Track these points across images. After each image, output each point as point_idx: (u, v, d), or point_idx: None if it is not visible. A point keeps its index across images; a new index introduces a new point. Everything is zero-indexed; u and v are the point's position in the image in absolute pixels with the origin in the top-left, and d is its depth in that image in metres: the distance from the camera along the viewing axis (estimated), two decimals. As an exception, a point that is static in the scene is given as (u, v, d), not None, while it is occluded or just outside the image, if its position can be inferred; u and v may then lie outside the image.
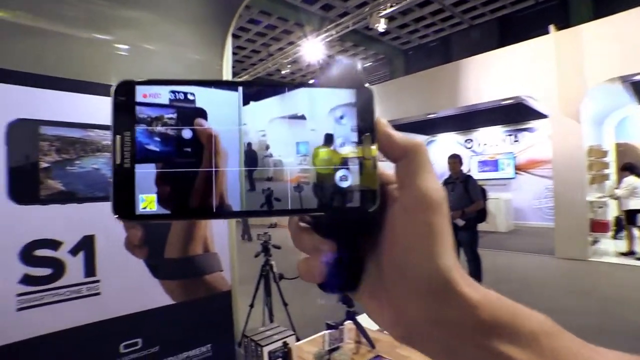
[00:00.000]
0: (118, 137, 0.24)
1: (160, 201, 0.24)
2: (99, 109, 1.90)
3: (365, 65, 12.73)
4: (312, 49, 8.79)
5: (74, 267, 1.73)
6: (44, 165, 1.68)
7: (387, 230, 0.26)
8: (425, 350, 0.26)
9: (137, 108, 0.24)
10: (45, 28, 2.02)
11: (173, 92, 0.25)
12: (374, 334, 1.47)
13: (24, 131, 1.66)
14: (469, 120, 10.01)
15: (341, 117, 0.26)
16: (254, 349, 1.15)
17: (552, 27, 6.29)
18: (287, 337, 1.22)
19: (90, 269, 1.78)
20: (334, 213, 0.26)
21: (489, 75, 7.13)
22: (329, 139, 0.26)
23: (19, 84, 1.70)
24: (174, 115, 0.25)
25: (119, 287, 1.84)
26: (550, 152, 6.82)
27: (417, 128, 11.64)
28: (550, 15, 8.51)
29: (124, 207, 0.24)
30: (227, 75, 2.70)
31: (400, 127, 11.13)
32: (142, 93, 0.25)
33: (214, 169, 0.24)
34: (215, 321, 2.25)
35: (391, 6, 7.03)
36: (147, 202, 0.23)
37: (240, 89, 0.26)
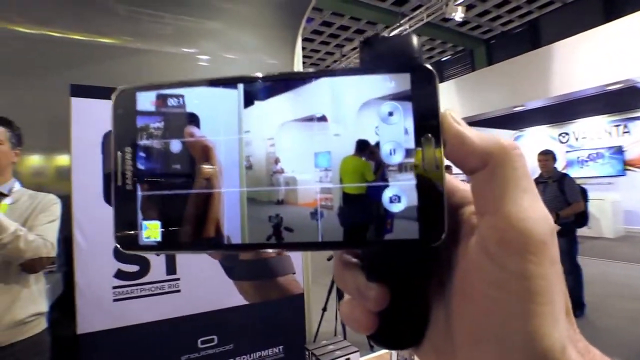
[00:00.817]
0: (119, 154, 0.21)
1: (164, 235, 0.20)
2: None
3: (445, 59, 12.10)
4: (385, 46, 8.60)
5: (157, 265, 1.88)
6: (131, 170, 1.84)
7: (459, 275, 0.18)
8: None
9: (138, 119, 0.21)
10: (140, 47, 2.25)
11: (174, 96, 0.21)
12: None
13: (116, 141, 1.84)
14: (563, 111, 8.87)
15: (390, 114, 0.19)
16: None
17: None
18: (350, 353, 1.16)
19: (171, 267, 1.91)
20: (380, 248, 0.19)
21: (588, 58, 6.24)
22: (363, 146, 0.19)
23: (113, 99, 1.89)
24: (170, 125, 0.20)
25: (196, 286, 1.95)
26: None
27: (502, 123, 10.70)
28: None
29: (124, 235, 0.20)
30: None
31: (482, 122, 10.36)
32: (144, 101, 0.21)
33: (198, 191, 0.19)
34: (287, 323, 2.27)
35: (470, -8, 6.57)
36: (150, 230, 0.20)
37: (241, 86, 0.20)
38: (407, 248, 0.19)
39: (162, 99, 0.21)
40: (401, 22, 8.01)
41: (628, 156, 8.86)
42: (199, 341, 1.97)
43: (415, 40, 0.20)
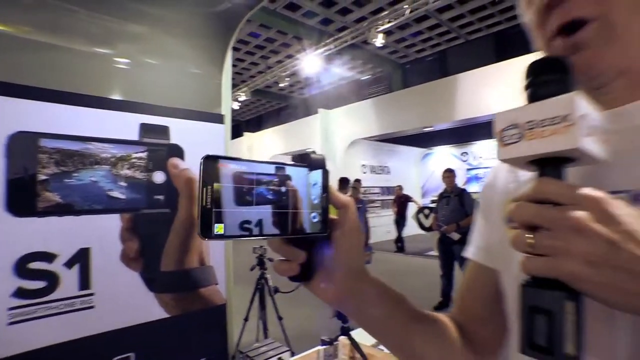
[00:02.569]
0: (204, 188, 0.35)
1: (225, 229, 0.36)
2: (98, 122, 1.92)
3: (364, 78, 12.88)
4: (310, 62, 8.89)
5: (69, 280, 1.73)
6: (42, 177, 1.69)
7: (336, 244, 0.43)
8: (344, 306, 0.46)
9: (220, 170, 0.36)
10: (46, 42, 2.05)
11: (237, 163, 0.38)
12: (368, 350, 1.48)
13: (24, 144, 1.67)
14: (465, 133, 10.10)
15: (314, 184, 0.42)
16: None
17: None
18: (281, 353, 1.22)
19: (84, 282, 1.78)
20: (310, 235, 0.41)
21: (485, 90, 7.23)
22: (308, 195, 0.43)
23: (19, 97, 1.72)
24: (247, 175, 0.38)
25: (113, 301, 1.83)
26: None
27: (414, 141, 11.74)
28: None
29: (205, 231, 0.34)
30: (226, 88, 2.73)
31: (396, 140, 11.22)
32: (220, 163, 0.36)
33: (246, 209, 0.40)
34: (209, 335, 2.23)
35: (389, 22, 7.15)
36: (219, 228, 0.35)
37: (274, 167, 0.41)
38: (318, 235, 0.42)
39: (226, 163, 0.37)
40: (327, 41, 8.38)
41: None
42: (114, 360, 1.85)
43: (324, 158, 0.44)
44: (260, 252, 2.65)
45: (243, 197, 0.37)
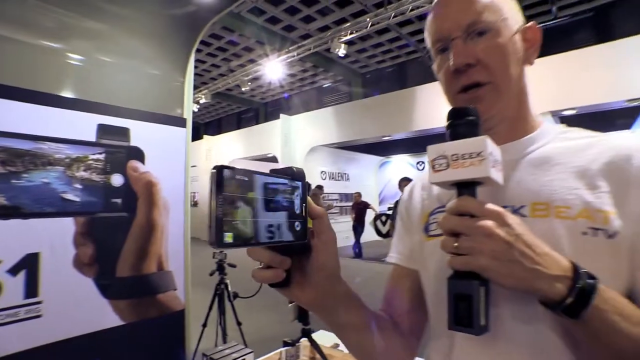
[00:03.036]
0: (217, 197, 0.36)
1: (234, 238, 0.36)
2: (50, 121, 1.85)
3: (325, 86, 13.08)
4: (273, 68, 8.91)
5: (13, 287, 1.63)
6: (-16, 178, 1.59)
7: (315, 251, 0.46)
8: (320, 309, 0.50)
9: (230, 181, 0.38)
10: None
11: (244, 173, 0.40)
12: (327, 350, 1.53)
13: (-35, 142, 1.58)
14: (421, 143, 10.54)
15: (296, 195, 0.44)
16: None
17: None
18: (245, 354, 1.25)
19: (31, 289, 1.68)
20: (294, 242, 0.43)
21: (441, 102, 7.54)
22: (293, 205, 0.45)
23: (-39, 92, 1.62)
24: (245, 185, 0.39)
25: (63, 309, 1.75)
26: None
27: (372, 149, 12.07)
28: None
29: (218, 239, 0.35)
30: (188, 91, 2.71)
31: (356, 147, 11.47)
32: (229, 173, 0.38)
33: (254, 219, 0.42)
34: (166, 342, 2.19)
35: (351, 33, 7.37)
36: (228, 237, 0.36)
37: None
38: (300, 243, 0.43)
39: (234, 174, 0.38)
40: (289, 48, 8.46)
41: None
42: (62, 371, 1.76)
43: (303, 171, 0.46)
44: (220, 257, 2.64)
45: (248, 207, 0.38)
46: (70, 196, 1.88)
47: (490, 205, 0.43)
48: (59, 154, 1.89)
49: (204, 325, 2.63)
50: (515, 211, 0.52)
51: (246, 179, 0.40)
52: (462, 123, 0.47)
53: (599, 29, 8.32)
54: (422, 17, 8.31)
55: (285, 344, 1.28)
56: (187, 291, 2.36)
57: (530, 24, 0.60)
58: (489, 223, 0.41)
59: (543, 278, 0.41)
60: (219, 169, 0.37)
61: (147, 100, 2.39)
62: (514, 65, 0.56)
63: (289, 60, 8.65)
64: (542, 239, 0.43)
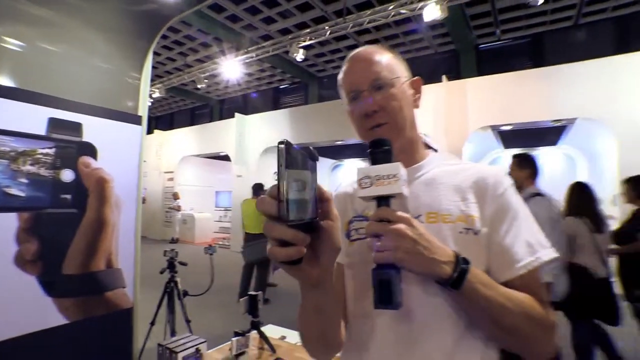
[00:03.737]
0: (286, 173, 0.39)
1: (295, 214, 0.40)
2: None
3: (282, 87, 13.14)
4: (230, 66, 8.84)
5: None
6: None
7: (326, 230, 0.48)
8: (320, 286, 0.53)
9: (290, 158, 0.41)
10: None
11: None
12: (275, 341, 1.65)
13: None
14: (371, 149, 10.90)
15: (314, 175, 0.47)
16: (168, 356, 1.23)
17: (444, 77, 7.25)
18: (199, 344, 1.32)
19: (-32, 286, 1.63)
20: (313, 220, 0.46)
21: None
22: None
23: None
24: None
25: (3, 308, 1.69)
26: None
27: (326, 153, 12.31)
28: (444, 65, 9.93)
29: (287, 215, 0.38)
30: (144, 89, 2.70)
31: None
32: (290, 151, 0.41)
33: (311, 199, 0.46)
34: (113, 340, 2.18)
35: (310, 39, 7.53)
36: (291, 214, 0.39)
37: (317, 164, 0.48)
38: (314, 221, 0.45)
39: (291, 151, 0.41)
40: (249, 49, 8.44)
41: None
42: (2, 372, 1.72)
43: (313, 149, 0.47)
44: (171, 255, 2.65)
45: (297, 184, 0.41)
46: (14, 191, 1.84)
47: (400, 213, 0.58)
48: (3, 147, 1.84)
49: (152, 323, 2.63)
50: (415, 218, 0.66)
51: (299, 156, 0.43)
52: (380, 151, 0.61)
53: (534, 54, 9.18)
54: (379, 28, 8.69)
55: (236, 334, 1.38)
56: (136, 289, 2.37)
57: (415, 78, 0.82)
58: (401, 226, 0.57)
59: (438, 264, 0.58)
60: (289, 144, 0.40)
61: (101, 95, 2.36)
62: (406, 109, 0.76)
63: (247, 60, 8.63)
64: (435, 237, 0.61)
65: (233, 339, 1.33)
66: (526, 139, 9.24)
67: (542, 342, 0.64)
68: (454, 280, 0.58)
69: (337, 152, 11.83)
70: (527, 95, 6.60)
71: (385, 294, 0.57)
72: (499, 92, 6.92)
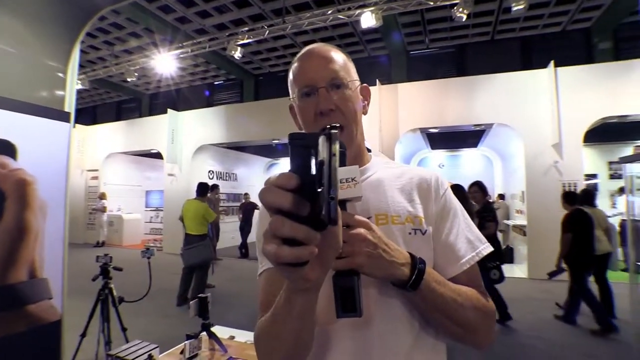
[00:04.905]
0: (335, 162, 0.36)
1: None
2: None
3: (217, 83, 12.76)
4: (162, 59, 8.38)
5: None
6: None
7: (328, 229, 0.39)
8: (315, 289, 0.48)
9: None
10: None
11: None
12: (225, 342, 1.66)
13: None
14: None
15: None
16: None
17: (378, 81, 7.55)
18: (151, 349, 1.28)
19: None
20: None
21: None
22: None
23: None
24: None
25: None
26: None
27: (262, 152, 12.23)
28: (377, 69, 10.40)
29: (327, 221, 0.35)
30: (71, 82, 2.50)
31: (244, 148, 11.49)
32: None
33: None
34: (38, 357, 2.00)
35: (248, 38, 7.42)
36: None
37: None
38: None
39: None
40: (184, 43, 8.08)
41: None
42: None
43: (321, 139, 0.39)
44: (104, 260, 2.49)
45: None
46: None
47: (359, 217, 0.57)
48: None
49: (83, 335, 2.45)
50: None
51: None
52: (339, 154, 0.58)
53: (458, 63, 10.03)
54: (317, 30, 8.84)
55: (189, 337, 1.37)
56: (65, 299, 2.20)
57: (364, 84, 0.80)
58: (362, 230, 0.56)
59: (397, 266, 0.58)
60: (337, 129, 0.39)
61: (22, 88, 2.16)
62: (358, 114, 0.75)
63: (181, 55, 8.25)
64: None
65: (186, 342, 1.32)
66: (451, 141, 10.06)
67: (488, 330, 0.69)
68: (413, 281, 0.59)
69: (273, 150, 11.83)
70: (452, 101, 7.20)
71: (349, 303, 0.53)
72: (427, 97, 7.45)
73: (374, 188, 0.73)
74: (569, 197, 4.29)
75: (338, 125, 0.36)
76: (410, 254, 0.61)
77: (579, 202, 4.17)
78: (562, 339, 3.70)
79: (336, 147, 0.37)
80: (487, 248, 0.73)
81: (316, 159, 0.37)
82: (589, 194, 4.49)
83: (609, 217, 5.26)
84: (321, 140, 0.38)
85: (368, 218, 0.65)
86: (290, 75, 0.76)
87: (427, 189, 0.75)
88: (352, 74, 0.75)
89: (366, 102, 0.81)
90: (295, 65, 0.75)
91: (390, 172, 0.78)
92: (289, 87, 0.78)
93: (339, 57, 0.74)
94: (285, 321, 0.53)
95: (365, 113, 0.79)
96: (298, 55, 0.76)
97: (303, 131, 0.75)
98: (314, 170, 0.37)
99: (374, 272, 0.57)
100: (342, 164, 0.53)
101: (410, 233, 0.69)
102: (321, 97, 0.70)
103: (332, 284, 0.54)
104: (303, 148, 0.39)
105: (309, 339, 0.57)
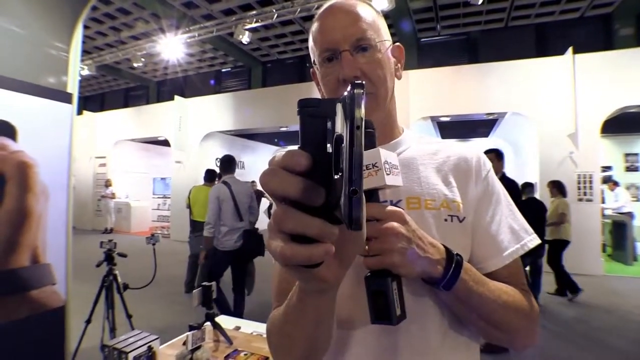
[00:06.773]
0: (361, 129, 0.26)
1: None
2: None
3: (225, 70, 12.63)
4: (170, 45, 8.26)
5: None
6: None
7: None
8: (333, 291, 0.40)
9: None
10: None
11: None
12: (231, 332, 1.60)
13: None
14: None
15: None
16: (117, 357, 1.11)
17: None
18: (151, 341, 1.22)
19: None
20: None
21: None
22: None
23: None
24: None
25: None
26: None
27: (269, 139, 12.14)
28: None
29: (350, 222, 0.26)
30: (73, 63, 2.42)
31: (252, 136, 11.41)
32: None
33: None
34: (42, 344, 1.97)
35: (256, 22, 7.27)
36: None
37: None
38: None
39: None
40: (191, 28, 7.96)
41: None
42: None
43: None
44: (108, 246, 2.44)
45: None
46: None
47: (392, 207, 0.48)
48: None
49: (88, 322, 2.42)
50: (394, 204, 0.59)
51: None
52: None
53: (470, 51, 9.77)
54: (324, 16, 8.60)
55: (191, 327, 1.31)
56: (69, 285, 2.16)
57: (397, 44, 0.68)
58: (394, 224, 0.46)
59: (432, 264, 0.49)
60: (362, 87, 0.28)
61: (22, 68, 2.08)
62: (389, 79, 0.64)
63: (188, 40, 8.13)
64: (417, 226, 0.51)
65: (188, 333, 1.26)
66: (461, 131, 9.87)
67: (529, 333, 0.61)
68: (447, 280, 0.51)
69: (280, 138, 11.72)
70: (463, 89, 7.02)
71: (382, 309, 0.45)
72: (439, 85, 7.28)
73: (406, 167, 0.63)
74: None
75: (363, 82, 0.24)
76: (446, 248, 0.53)
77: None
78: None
79: (361, 112, 0.26)
80: (533, 240, 0.63)
81: (333, 133, 0.28)
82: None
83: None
84: (340, 107, 0.28)
85: (398, 202, 0.58)
86: (310, 39, 0.66)
87: (467, 170, 0.64)
88: (382, 34, 0.63)
89: (399, 64, 0.69)
90: (315, 25, 0.64)
91: (424, 148, 0.68)
92: (310, 52, 0.68)
93: (366, 12, 0.62)
94: (297, 323, 0.45)
95: (399, 78, 0.68)
96: (318, 13, 0.65)
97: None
98: (330, 148, 0.28)
99: (409, 271, 0.48)
100: (371, 145, 0.45)
101: (445, 220, 0.59)
102: (344, 62, 0.59)
103: (355, 274, 0.46)
104: (317, 118, 0.29)
105: (326, 340, 0.49)
